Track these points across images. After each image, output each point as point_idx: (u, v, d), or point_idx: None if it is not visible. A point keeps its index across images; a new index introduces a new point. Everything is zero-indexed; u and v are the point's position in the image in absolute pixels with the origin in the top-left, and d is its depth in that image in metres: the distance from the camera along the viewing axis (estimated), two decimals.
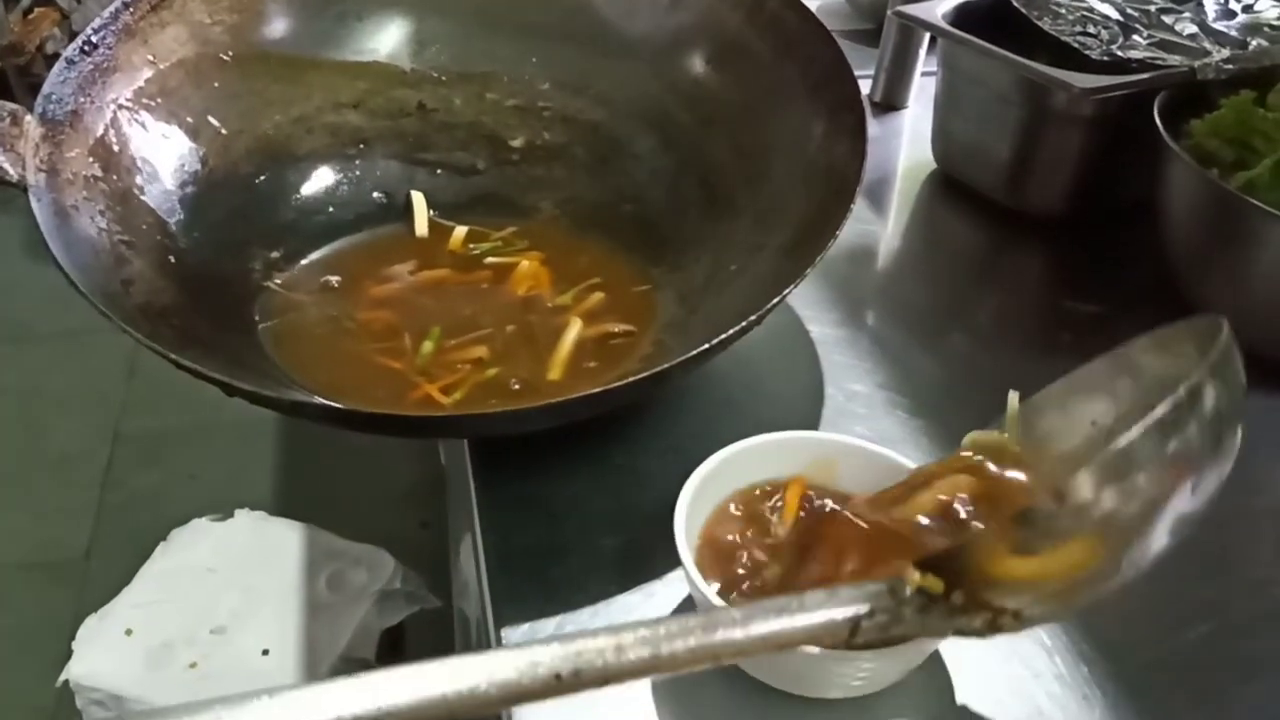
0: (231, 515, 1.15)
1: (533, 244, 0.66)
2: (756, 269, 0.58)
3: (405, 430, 0.52)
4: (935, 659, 0.43)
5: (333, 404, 0.52)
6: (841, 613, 0.33)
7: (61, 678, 0.98)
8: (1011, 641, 0.44)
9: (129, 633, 1.01)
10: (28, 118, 0.52)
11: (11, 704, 1.34)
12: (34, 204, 0.49)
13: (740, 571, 0.41)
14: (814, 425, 0.56)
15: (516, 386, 0.56)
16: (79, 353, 1.89)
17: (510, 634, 0.44)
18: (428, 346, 0.58)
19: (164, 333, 0.50)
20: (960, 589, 0.34)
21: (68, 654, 0.99)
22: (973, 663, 0.43)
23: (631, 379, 0.46)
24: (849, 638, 0.33)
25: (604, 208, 0.68)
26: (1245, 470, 0.55)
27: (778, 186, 0.62)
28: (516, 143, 0.70)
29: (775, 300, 0.49)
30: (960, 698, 0.42)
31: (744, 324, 0.47)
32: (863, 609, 0.34)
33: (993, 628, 0.34)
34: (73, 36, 2.32)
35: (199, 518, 1.15)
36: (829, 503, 0.44)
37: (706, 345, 0.46)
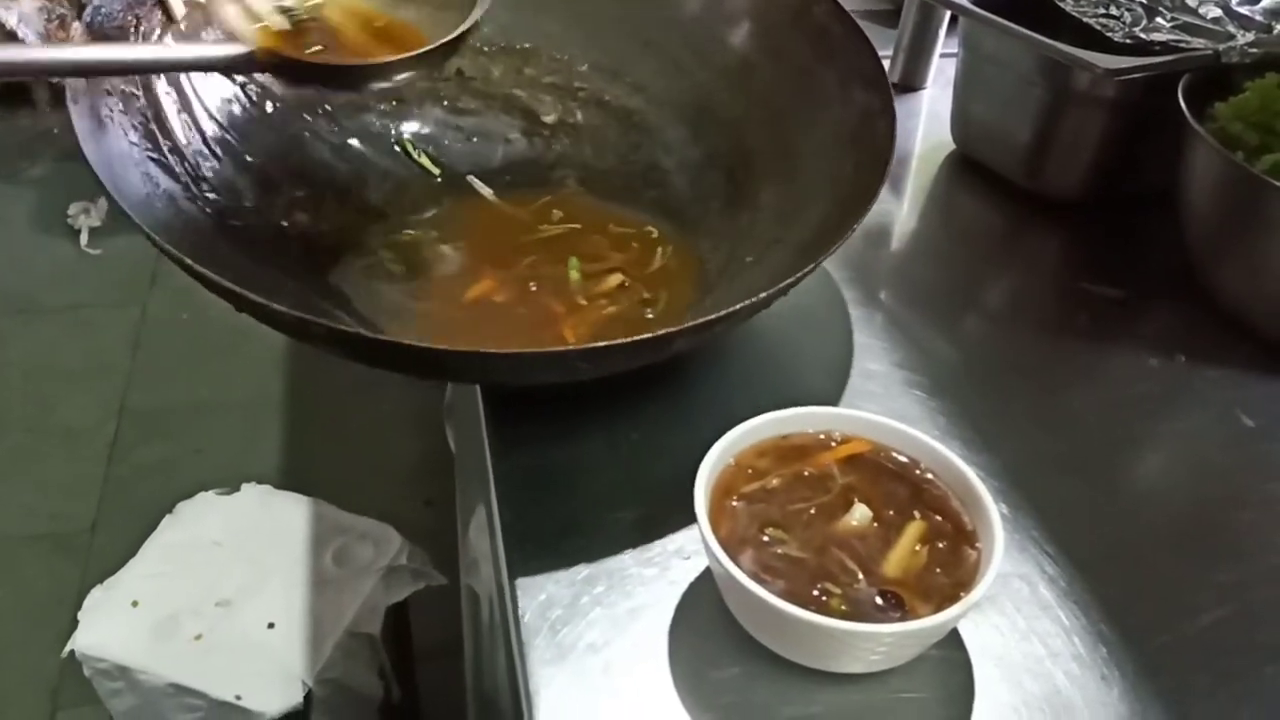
0: (238, 489, 1.14)
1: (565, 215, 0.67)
2: (772, 261, 0.58)
3: (405, 361, 0.50)
4: (954, 637, 0.43)
5: (337, 326, 0.50)
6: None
7: (67, 648, 0.98)
8: (1030, 621, 0.44)
9: (135, 604, 1.00)
10: (75, 24, 0.52)
11: (18, 674, 1.34)
12: (70, 106, 0.50)
13: (761, 539, 0.41)
14: (831, 402, 0.56)
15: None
16: (85, 326, 1.88)
17: (526, 604, 0.44)
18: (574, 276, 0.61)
19: (182, 246, 0.50)
20: None
21: (73, 625, 0.99)
22: (991, 642, 0.43)
23: (633, 339, 0.45)
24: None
25: (627, 191, 0.69)
26: (1264, 455, 0.55)
27: (804, 187, 0.61)
28: (549, 119, 0.71)
29: (785, 283, 0.48)
30: (978, 676, 0.42)
31: (751, 301, 0.47)
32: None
33: None
34: (79, 9, 2.31)
35: (205, 491, 1.14)
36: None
37: (714, 316, 0.46)
